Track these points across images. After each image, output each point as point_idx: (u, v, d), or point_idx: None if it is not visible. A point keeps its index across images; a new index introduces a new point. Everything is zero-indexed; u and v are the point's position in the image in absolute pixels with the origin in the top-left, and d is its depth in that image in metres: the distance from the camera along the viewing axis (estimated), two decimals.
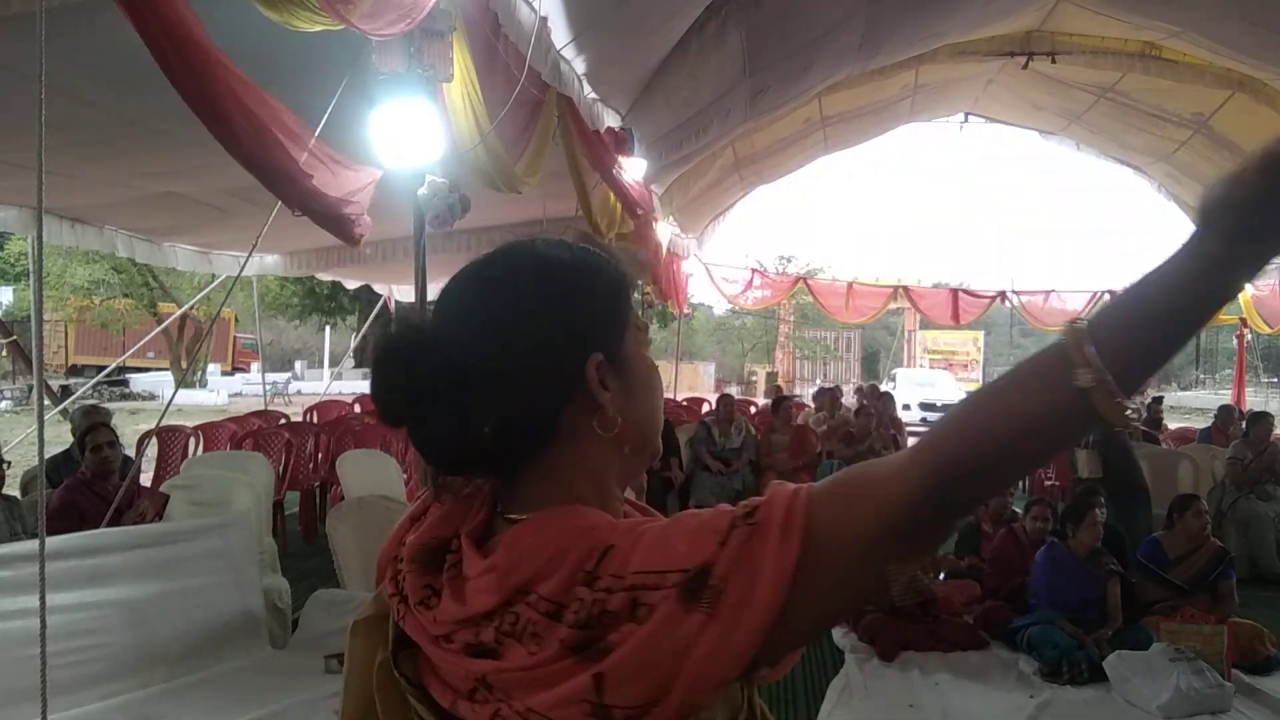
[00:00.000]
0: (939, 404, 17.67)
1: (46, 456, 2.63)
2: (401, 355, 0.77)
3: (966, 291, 15.54)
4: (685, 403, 13.25)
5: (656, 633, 0.65)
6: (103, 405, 7.15)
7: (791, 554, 0.65)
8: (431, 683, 0.75)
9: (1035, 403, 0.65)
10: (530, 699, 0.68)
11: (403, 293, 12.19)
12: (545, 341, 0.77)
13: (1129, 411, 0.61)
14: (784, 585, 0.65)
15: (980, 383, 27.93)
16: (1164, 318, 0.63)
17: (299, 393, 22.95)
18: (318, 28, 2.59)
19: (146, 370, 26.71)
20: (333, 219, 3.25)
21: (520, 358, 0.76)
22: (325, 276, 12.23)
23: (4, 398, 22.48)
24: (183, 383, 22.33)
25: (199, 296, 11.95)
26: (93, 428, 4.38)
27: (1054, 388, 0.64)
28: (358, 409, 11.41)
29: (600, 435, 0.78)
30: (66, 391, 16.52)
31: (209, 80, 2.46)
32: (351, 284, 12.46)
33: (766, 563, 0.65)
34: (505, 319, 0.77)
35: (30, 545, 3.00)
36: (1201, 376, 36.35)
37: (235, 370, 31.47)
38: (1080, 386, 0.61)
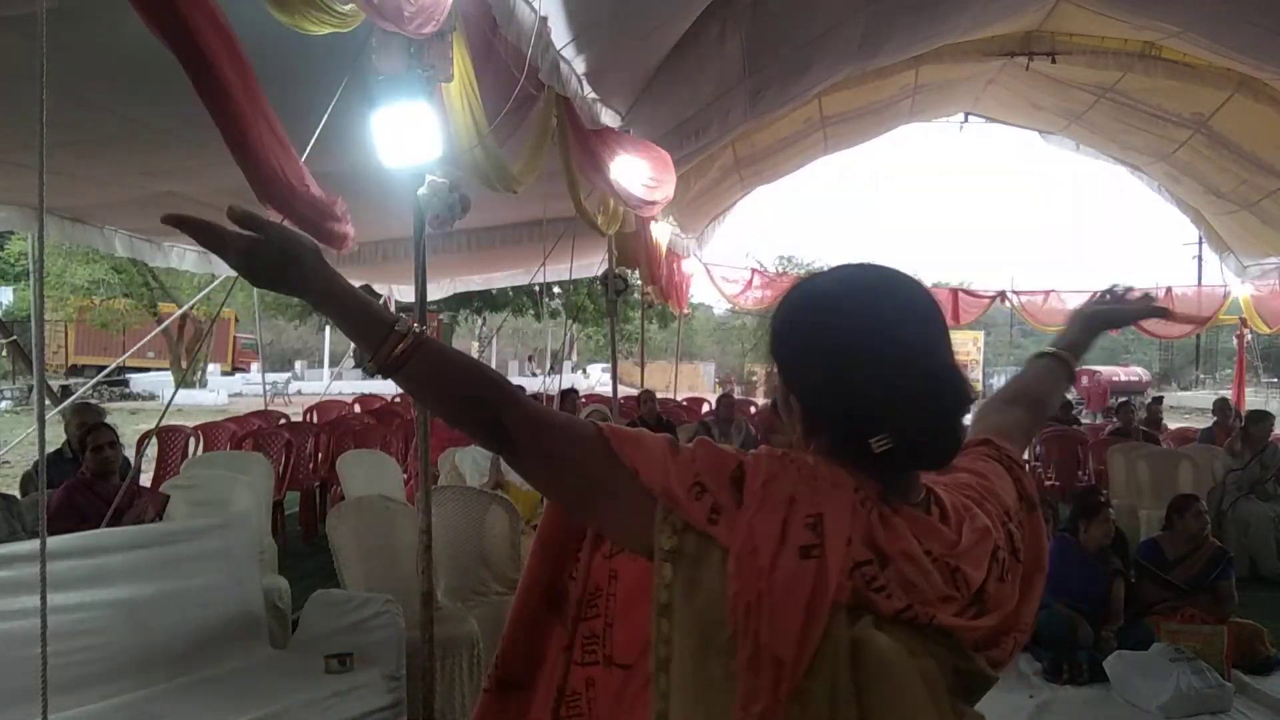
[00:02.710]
0: None
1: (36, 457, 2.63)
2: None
3: (966, 291, 15.52)
4: (685, 403, 13.24)
5: (1043, 533, 1.10)
6: (96, 404, 7.14)
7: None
8: None
9: (1062, 388, 1.37)
10: (1023, 621, 1.02)
11: (403, 292, 12.17)
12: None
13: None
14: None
15: (980, 382, 27.98)
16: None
17: (299, 393, 22.94)
18: (326, 30, 2.59)
19: (146, 370, 26.70)
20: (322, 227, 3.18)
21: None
22: None
23: (4, 398, 22.48)
24: (183, 383, 22.32)
25: (199, 296, 11.91)
26: (94, 428, 4.37)
27: (1065, 380, 1.37)
28: (358, 409, 11.41)
29: None
30: (66, 391, 16.52)
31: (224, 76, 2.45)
32: (352, 284, 12.44)
33: (1028, 483, 1.13)
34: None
35: (30, 545, 3.00)
36: (1201, 376, 36.34)
37: (235, 370, 31.47)
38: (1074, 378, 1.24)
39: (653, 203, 6.11)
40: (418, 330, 0.98)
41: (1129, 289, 1.51)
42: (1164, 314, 1.64)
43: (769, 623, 0.84)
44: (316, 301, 1.01)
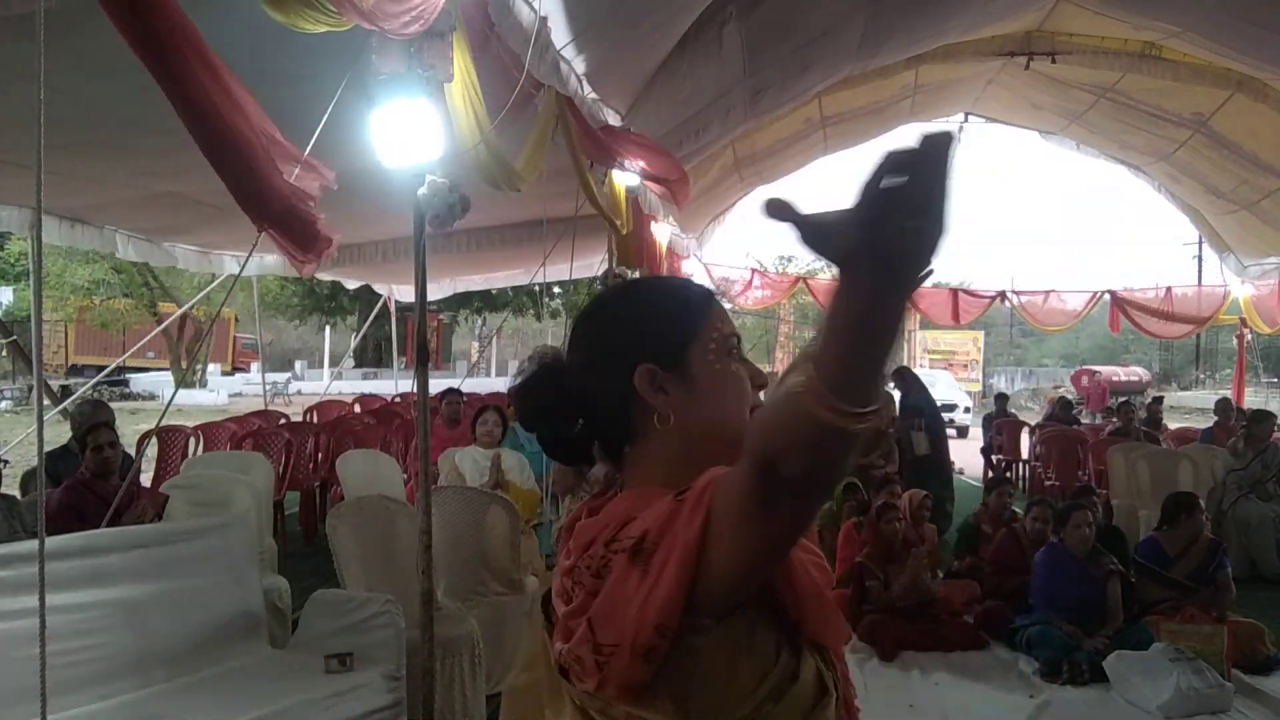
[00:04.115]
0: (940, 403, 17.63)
1: (47, 452, 2.63)
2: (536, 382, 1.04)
3: (966, 291, 15.52)
4: None
5: (614, 585, 0.84)
6: (106, 403, 7.15)
7: (696, 523, 0.80)
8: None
9: (781, 409, 0.75)
10: (574, 639, 0.87)
11: (403, 293, 12.17)
12: (599, 358, 1.00)
13: (842, 413, 0.70)
14: (691, 547, 0.80)
15: (979, 382, 28.01)
16: (857, 345, 0.70)
17: (299, 393, 22.94)
18: (322, 29, 2.59)
19: (146, 370, 26.70)
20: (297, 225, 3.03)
21: (587, 372, 1.00)
22: (325, 276, 12.23)
23: (4, 398, 22.48)
24: (183, 383, 22.32)
25: (199, 296, 11.93)
26: (94, 428, 4.36)
27: (787, 399, 0.73)
28: (358, 409, 11.40)
29: (663, 430, 0.96)
30: (66, 391, 16.52)
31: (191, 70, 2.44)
32: (351, 284, 12.44)
33: (680, 531, 0.81)
34: (583, 345, 1.03)
35: (30, 545, 3.00)
36: (1201, 376, 36.34)
37: (235, 370, 31.46)
38: (792, 392, 0.71)
39: (667, 181, 6.08)
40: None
41: None
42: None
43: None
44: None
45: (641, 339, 0.97)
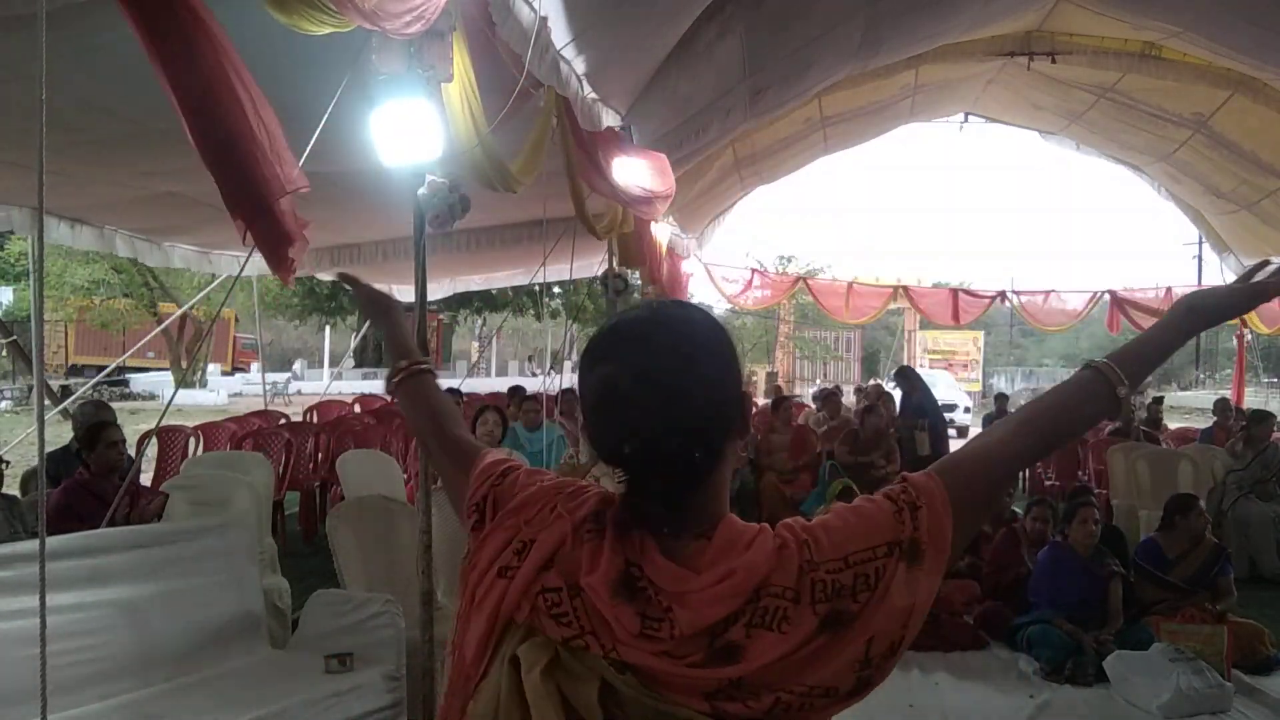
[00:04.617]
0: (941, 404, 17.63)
1: (47, 453, 2.63)
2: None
3: (966, 291, 15.52)
4: None
5: (898, 590, 0.91)
6: (108, 404, 7.16)
7: (949, 521, 0.96)
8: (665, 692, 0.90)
9: (1091, 407, 1.08)
10: (807, 679, 0.88)
11: (403, 293, 12.16)
12: (731, 384, 1.01)
13: (1127, 392, 1.07)
14: (951, 541, 0.96)
15: (979, 383, 28.03)
16: (1153, 359, 1.12)
17: (299, 393, 22.92)
18: (325, 30, 2.59)
19: (146, 370, 26.68)
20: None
21: (712, 400, 0.97)
22: (325, 276, 12.22)
23: (4, 398, 22.48)
24: (183, 383, 22.32)
25: (199, 296, 11.92)
26: (104, 425, 4.39)
27: (1102, 397, 1.07)
28: (358, 409, 11.41)
29: (738, 456, 1.05)
30: (66, 391, 16.53)
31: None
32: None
33: (943, 529, 0.95)
34: (706, 374, 0.98)
35: (30, 545, 3.01)
36: (1201, 376, 36.32)
37: (235, 370, 31.45)
38: (1120, 396, 1.07)
39: (651, 199, 6.11)
40: (415, 366, 1.38)
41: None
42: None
43: (467, 627, 1.00)
44: (382, 332, 1.56)
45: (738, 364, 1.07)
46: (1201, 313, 1.11)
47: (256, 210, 2.71)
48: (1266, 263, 1.24)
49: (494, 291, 20.51)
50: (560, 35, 4.32)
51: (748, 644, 0.88)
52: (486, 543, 1.03)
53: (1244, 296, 1.12)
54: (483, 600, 0.99)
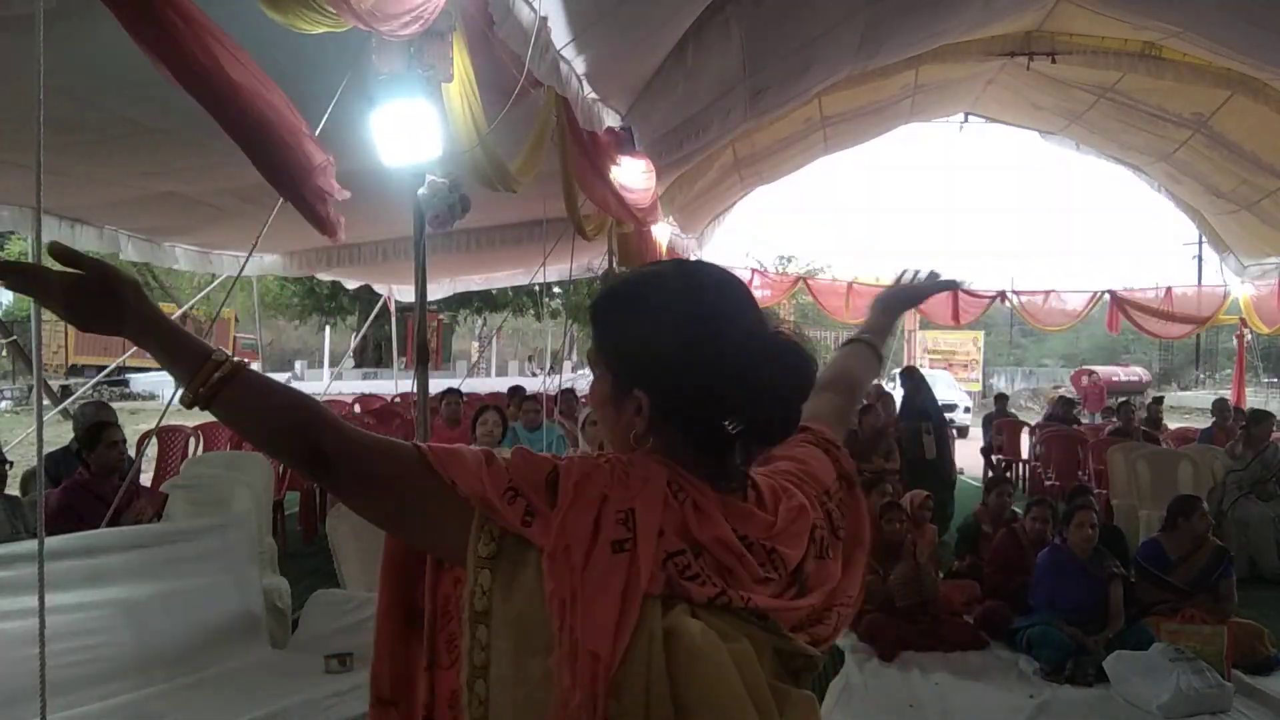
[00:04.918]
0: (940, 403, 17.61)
1: (47, 453, 2.63)
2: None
3: (966, 291, 15.47)
4: None
5: (863, 509, 1.14)
6: (108, 404, 7.17)
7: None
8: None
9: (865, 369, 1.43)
10: (850, 591, 1.04)
11: (403, 292, 12.17)
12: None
13: None
14: None
15: (980, 383, 28.01)
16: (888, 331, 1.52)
17: None
18: (321, 29, 2.59)
19: (146, 370, 26.62)
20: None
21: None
22: (325, 276, 12.21)
23: (4, 398, 22.47)
24: None
25: (199, 296, 11.90)
26: (106, 425, 4.40)
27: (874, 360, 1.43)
28: (358, 409, 11.39)
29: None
30: (66, 391, 16.51)
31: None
32: (351, 284, 12.44)
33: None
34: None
35: (30, 545, 3.01)
36: (1201, 376, 36.32)
37: None
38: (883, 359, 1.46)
39: (643, 212, 6.13)
40: (235, 361, 0.98)
41: (917, 272, 1.61)
42: (954, 286, 1.70)
43: (583, 617, 0.87)
44: (136, 334, 0.99)
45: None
46: (895, 301, 1.56)
47: (294, 181, 2.73)
48: (904, 273, 1.62)
49: (494, 291, 20.51)
50: (560, 35, 4.32)
51: (811, 575, 0.99)
52: (568, 522, 0.91)
53: (926, 289, 1.59)
54: (603, 582, 0.88)
